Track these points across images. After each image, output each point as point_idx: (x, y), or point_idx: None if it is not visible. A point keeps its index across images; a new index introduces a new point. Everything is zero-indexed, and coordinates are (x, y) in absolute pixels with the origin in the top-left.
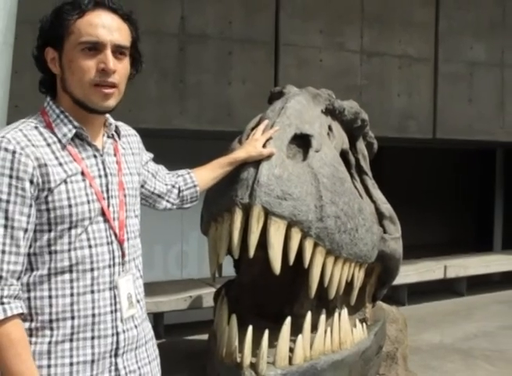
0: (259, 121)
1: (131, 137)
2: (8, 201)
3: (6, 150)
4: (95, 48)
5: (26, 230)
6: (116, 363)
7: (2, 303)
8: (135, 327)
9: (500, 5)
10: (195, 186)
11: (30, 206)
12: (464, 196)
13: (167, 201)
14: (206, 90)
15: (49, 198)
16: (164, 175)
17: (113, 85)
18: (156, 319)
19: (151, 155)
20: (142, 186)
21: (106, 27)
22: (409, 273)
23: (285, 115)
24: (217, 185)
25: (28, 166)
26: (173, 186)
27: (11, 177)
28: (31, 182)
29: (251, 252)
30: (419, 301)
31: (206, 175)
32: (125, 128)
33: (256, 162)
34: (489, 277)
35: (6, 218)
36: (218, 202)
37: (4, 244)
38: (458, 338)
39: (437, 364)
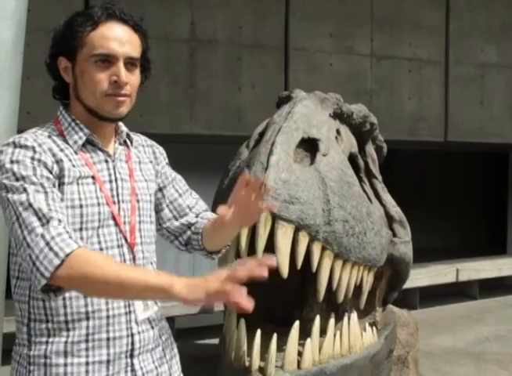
0: (266, 125)
1: (149, 148)
2: (38, 179)
3: (26, 146)
4: (107, 60)
5: (61, 199)
6: (132, 364)
7: (71, 237)
8: (152, 328)
9: (511, 6)
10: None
11: (54, 185)
12: (477, 199)
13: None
14: (216, 95)
15: (63, 196)
16: (197, 207)
17: (125, 95)
18: (168, 323)
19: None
20: (161, 196)
21: (118, 39)
22: (421, 277)
23: (292, 120)
24: (225, 189)
25: (48, 160)
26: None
27: (33, 164)
28: (51, 174)
29: (259, 256)
30: (431, 305)
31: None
32: (144, 138)
33: (263, 166)
34: (502, 281)
35: (43, 187)
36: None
37: (48, 205)
38: (470, 341)
39: (448, 368)
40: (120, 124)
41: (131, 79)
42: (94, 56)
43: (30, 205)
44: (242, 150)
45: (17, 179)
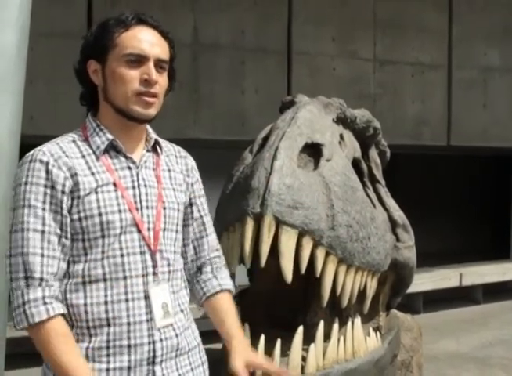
0: (270, 130)
1: (183, 159)
2: (44, 209)
3: (41, 161)
4: (138, 60)
5: (60, 236)
6: (154, 371)
7: (45, 303)
8: (176, 336)
9: None
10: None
11: (62, 215)
12: (480, 203)
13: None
14: (219, 100)
15: (80, 207)
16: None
17: (155, 95)
18: None
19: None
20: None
21: (149, 41)
22: (425, 281)
23: (296, 125)
24: (228, 194)
25: (59, 177)
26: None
27: (46, 186)
28: (63, 192)
29: (263, 261)
30: (434, 310)
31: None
32: (178, 149)
33: (267, 172)
34: (506, 285)
35: (43, 224)
36: (230, 212)
37: (42, 248)
38: (474, 346)
39: (453, 373)
40: (150, 130)
41: (160, 80)
42: (125, 56)
43: (22, 254)
44: (245, 154)
45: (23, 206)
